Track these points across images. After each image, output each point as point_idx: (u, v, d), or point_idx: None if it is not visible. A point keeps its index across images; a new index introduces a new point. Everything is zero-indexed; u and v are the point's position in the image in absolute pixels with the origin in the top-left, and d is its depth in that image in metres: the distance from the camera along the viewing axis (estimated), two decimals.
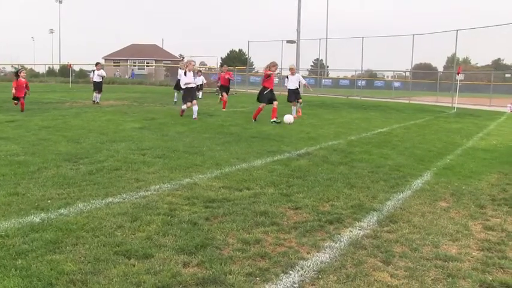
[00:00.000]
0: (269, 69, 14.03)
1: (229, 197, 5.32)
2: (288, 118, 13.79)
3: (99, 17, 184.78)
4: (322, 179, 6.37)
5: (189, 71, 14.35)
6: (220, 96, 18.47)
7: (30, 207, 4.65)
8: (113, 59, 74.75)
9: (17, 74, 16.04)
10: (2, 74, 69.37)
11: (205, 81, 28.80)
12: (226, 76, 21.14)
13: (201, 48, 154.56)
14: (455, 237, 4.34)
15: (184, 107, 14.41)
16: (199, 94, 26.81)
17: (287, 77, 16.35)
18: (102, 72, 20.89)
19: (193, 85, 14.61)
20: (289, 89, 16.09)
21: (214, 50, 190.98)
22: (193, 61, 15.92)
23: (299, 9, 43.96)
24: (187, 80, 14.14)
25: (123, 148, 8.23)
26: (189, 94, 14.29)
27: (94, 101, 20.04)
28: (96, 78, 20.49)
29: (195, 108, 14.02)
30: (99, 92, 20.41)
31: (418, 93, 38.91)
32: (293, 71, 16.42)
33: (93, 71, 21.29)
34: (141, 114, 15.06)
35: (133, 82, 55.85)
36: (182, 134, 10.37)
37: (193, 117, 13.88)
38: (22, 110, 14.94)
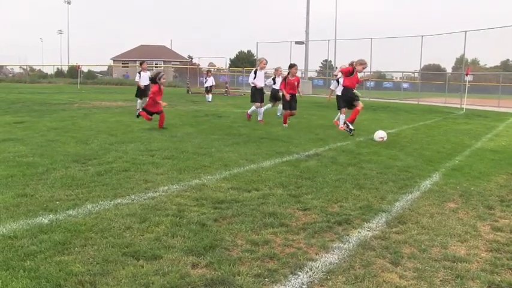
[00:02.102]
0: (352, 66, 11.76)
1: (237, 198, 5.32)
2: (382, 134, 10.69)
3: (108, 18, 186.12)
4: (331, 180, 6.36)
5: (261, 69, 14.18)
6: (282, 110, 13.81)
7: (39, 209, 4.66)
8: (122, 60, 75.10)
9: (156, 79, 11.95)
10: (11, 75, 69.90)
11: (214, 83, 28.56)
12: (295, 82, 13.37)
13: (210, 49, 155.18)
14: (464, 238, 4.31)
15: (254, 108, 14.23)
16: (209, 97, 26.53)
17: (337, 81, 13.65)
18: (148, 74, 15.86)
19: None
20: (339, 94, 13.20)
21: (223, 51, 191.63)
22: (264, 59, 14.39)
23: (307, 10, 43.98)
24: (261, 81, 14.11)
25: (132, 149, 8.25)
26: (260, 95, 14.15)
27: (138, 110, 15.23)
28: (145, 81, 15.65)
29: (262, 110, 14.08)
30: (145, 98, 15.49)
31: (426, 94, 38.83)
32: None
33: (140, 72, 16.25)
34: None
35: None
36: (191, 135, 10.38)
37: (259, 119, 13.95)
38: (161, 126, 11.52)
